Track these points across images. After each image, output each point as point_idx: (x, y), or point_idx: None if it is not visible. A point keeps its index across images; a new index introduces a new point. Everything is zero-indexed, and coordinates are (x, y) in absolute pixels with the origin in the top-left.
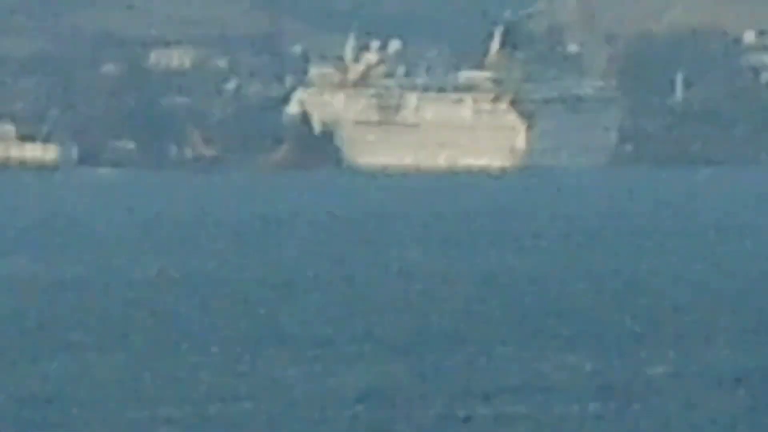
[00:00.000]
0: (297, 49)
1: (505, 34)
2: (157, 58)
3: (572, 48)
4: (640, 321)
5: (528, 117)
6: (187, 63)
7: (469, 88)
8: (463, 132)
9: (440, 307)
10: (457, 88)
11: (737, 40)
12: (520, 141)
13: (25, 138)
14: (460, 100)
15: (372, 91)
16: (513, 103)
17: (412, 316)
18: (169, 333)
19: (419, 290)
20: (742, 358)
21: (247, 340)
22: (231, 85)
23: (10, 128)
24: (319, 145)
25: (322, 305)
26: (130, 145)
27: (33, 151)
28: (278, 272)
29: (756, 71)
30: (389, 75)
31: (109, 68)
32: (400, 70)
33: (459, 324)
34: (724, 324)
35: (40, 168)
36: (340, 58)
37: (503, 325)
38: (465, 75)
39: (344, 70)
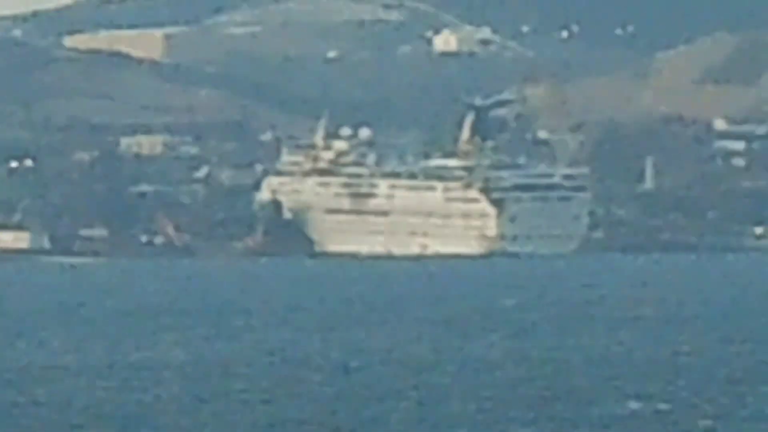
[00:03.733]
0: (267, 135)
1: (475, 122)
2: (127, 145)
3: (542, 135)
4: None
5: (498, 204)
6: (158, 150)
7: (440, 175)
8: (434, 219)
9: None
10: (428, 175)
11: (708, 127)
12: (491, 228)
13: None
14: (430, 187)
15: (343, 178)
16: (483, 190)
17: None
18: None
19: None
20: None
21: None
22: (201, 172)
23: None
24: (290, 232)
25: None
26: (102, 232)
27: (5, 239)
28: (245, 359)
29: (727, 157)
30: (360, 162)
31: (80, 155)
32: (371, 157)
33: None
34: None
35: (12, 255)
36: (311, 145)
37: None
38: (435, 162)
39: (315, 157)
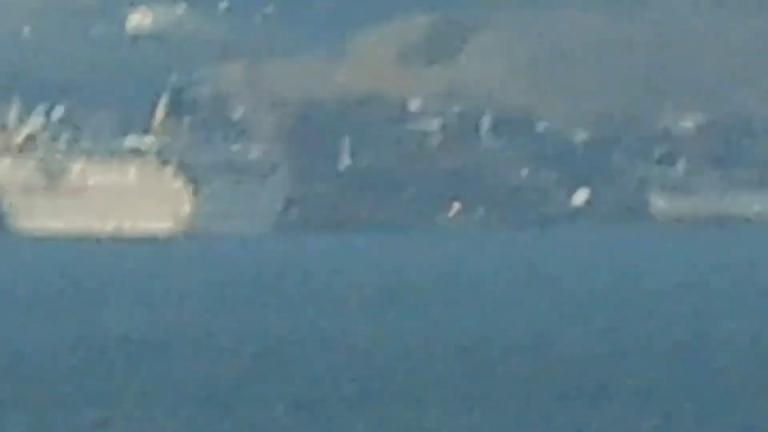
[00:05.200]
0: None
1: (171, 101)
2: None
3: (238, 114)
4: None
5: (193, 183)
6: None
7: (135, 153)
8: (129, 197)
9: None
10: (123, 154)
11: (404, 107)
12: (186, 207)
13: None
14: (125, 166)
15: (37, 156)
16: (178, 169)
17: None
18: None
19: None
20: None
21: None
22: None
23: None
24: None
25: None
26: None
27: None
28: None
29: (422, 137)
30: (54, 140)
31: None
32: (65, 135)
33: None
34: None
35: None
36: (4, 125)
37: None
38: (131, 140)
39: (8, 135)
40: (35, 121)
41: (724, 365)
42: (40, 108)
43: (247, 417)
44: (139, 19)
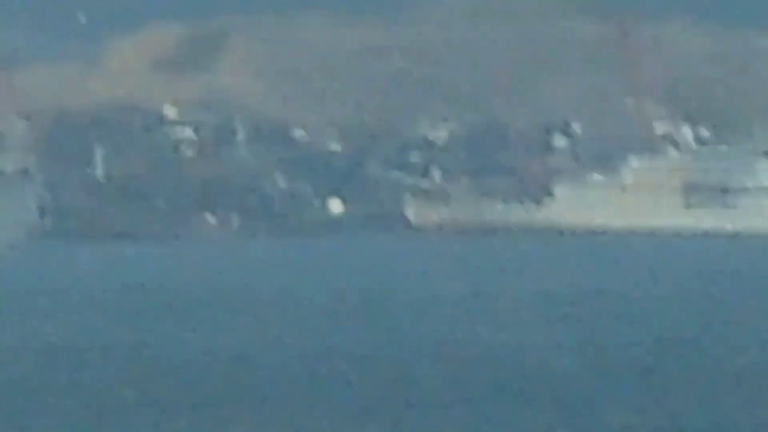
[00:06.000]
0: None
1: None
2: None
3: None
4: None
5: None
6: None
7: None
8: None
9: None
10: None
11: (158, 115)
12: None
13: None
14: None
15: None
16: None
17: None
18: None
19: None
20: None
21: None
22: None
23: None
24: None
25: None
26: None
27: None
28: None
29: (177, 145)
30: None
31: None
32: None
33: None
34: None
35: None
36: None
37: None
38: None
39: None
40: None
41: (474, 368)
42: None
43: None
44: None
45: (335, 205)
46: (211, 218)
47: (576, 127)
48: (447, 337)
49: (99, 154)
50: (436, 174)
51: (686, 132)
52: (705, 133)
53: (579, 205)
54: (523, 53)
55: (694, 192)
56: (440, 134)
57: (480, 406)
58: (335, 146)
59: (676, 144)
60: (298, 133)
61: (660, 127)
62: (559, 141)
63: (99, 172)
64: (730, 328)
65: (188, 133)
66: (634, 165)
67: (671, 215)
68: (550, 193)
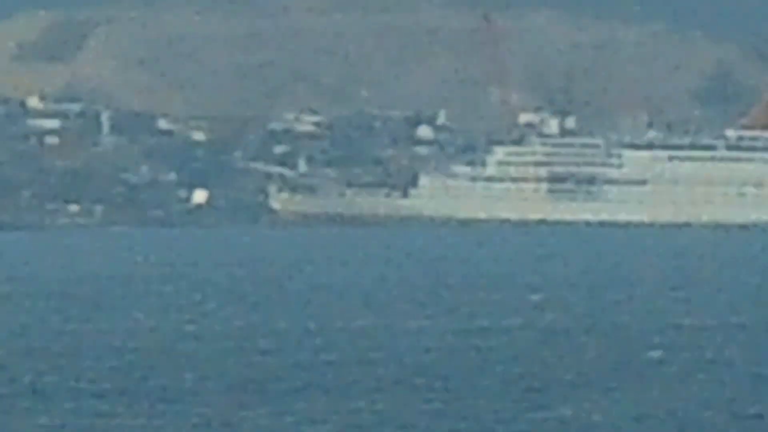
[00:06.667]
0: None
1: None
2: None
3: None
4: None
5: None
6: None
7: None
8: None
9: None
10: None
11: (22, 105)
12: None
13: None
14: None
15: None
16: None
17: None
18: None
19: None
20: None
21: None
22: None
23: None
24: None
25: None
26: None
27: None
28: None
29: (41, 135)
30: None
31: None
32: None
33: None
34: None
35: None
36: None
37: None
38: None
39: None
40: None
41: (349, 356)
42: None
43: None
44: None
45: (199, 195)
46: (74, 208)
47: (441, 118)
48: (310, 324)
49: None
50: (302, 164)
51: (551, 123)
52: (570, 123)
53: (444, 195)
54: (389, 43)
55: (558, 182)
56: (306, 125)
57: (347, 392)
58: (200, 136)
59: (541, 134)
60: (162, 123)
61: (525, 118)
62: (425, 132)
63: None
64: (579, 318)
65: (53, 123)
66: (499, 156)
67: (536, 206)
68: (415, 184)
